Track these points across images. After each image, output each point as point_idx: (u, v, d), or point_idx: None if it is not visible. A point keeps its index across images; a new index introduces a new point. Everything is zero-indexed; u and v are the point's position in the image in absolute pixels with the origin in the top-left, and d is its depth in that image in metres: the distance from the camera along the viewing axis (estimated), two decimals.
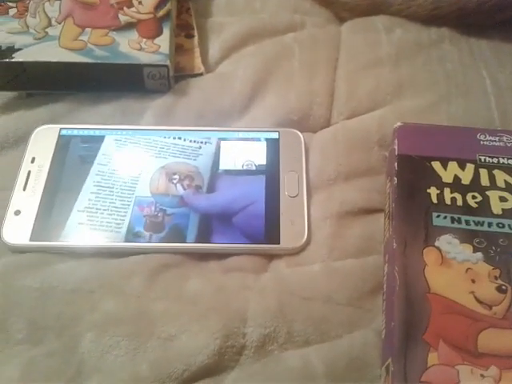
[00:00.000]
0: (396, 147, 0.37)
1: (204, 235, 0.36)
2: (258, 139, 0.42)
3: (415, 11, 0.49)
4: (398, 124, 0.39)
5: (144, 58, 0.42)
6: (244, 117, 0.44)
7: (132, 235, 0.36)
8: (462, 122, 0.41)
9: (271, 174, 0.40)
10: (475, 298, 0.28)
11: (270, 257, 0.37)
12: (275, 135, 0.42)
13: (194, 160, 0.40)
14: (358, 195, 0.39)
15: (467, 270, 0.30)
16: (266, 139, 0.42)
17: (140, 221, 0.37)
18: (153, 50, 0.43)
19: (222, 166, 0.40)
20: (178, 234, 0.36)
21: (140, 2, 0.45)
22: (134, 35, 0.43)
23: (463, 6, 0.47)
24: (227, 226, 0.37)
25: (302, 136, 0.42)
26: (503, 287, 0.29)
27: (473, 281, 0.29)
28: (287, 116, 0.43)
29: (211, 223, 0.37)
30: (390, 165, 0.38)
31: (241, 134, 0.42)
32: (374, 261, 0.35)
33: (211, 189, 0.38)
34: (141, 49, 0.43)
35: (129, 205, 0.37)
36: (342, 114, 0.44)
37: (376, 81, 0.45)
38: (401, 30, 0.49)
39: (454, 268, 0.30)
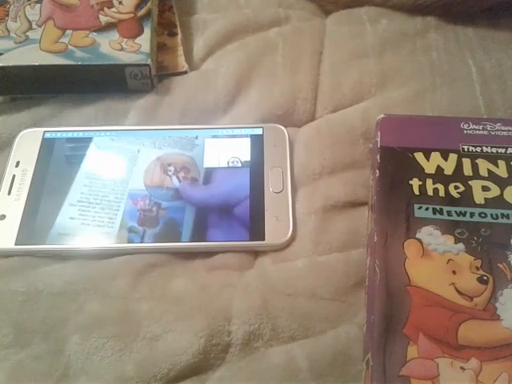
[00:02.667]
0: (379, 139, 0.37)
1: (199, 232, 0.36)
2: (242, 135, 0.41)
3: (400, 1, 0.49)
4: (381, 116, 0.38)
5: (125, 57, 0.42)
6: (228, 113, 0.44)
7: (126, 230, 0.36)
8: (447, 111, 0.41)
9: (255, 170, 0.39)
10: (456, 289, 0.28)
11: (256, 253, 0.37)
12: (259, 131, 0.42)
13: (190, 151, 0.40)
14: (343, 189, 0.39)
15: (448, 261, 0.29)
16: (250, 135, 0.42)
17: (134, 215, 0.37)
18: (134, 50, 0.43)
19: (207, 163, 0.40)
20: (173, 230, 0.36)
21: (120, 2, 0.45)
22: (114, 35, 0.43)
23: None
24: (215, 223, 0.37)
25: (286, 131, 0.42)
26: (484, 278, 0.28)
27: (454, 272, 0.29)
28: (271, 111, 0.43)
29: (204, 220, 0.37)
30: (373, 157, 0.37)
31: (225, 131, 0.42)
32: (359, 254, 0.35)
33: (207, 181, 0.38)
34: (122, 49, 0.42)
35: (122, 199, 0.37)
36: (327, 107, 0.44)
37: (360, 73, 0.45)
38: (386, 21, 0.49)
39: (434, 260, 0.30)
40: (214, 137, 0.41)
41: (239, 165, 0.40)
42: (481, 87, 0.42)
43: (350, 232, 0.36)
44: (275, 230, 0.37)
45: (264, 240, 0.36)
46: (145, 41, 0.43)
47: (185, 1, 0.53)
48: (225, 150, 0.41)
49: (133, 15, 0.45)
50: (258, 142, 0.41)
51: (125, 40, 0.43)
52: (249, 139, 0.41)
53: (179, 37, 0.48)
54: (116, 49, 0.42)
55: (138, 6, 0.45)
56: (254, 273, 0.35)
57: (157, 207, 0.37)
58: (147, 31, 0.44)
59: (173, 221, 0.37)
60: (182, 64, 0.47)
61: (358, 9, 0.50)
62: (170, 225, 0.36)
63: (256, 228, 0.37)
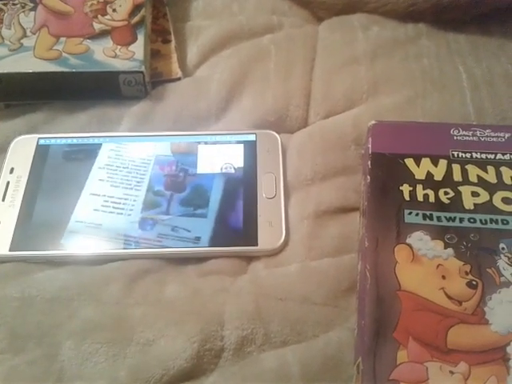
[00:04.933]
0: (370, 145, 0.37)
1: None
2: (235, 142, 0.42)
3: (392, 8, 0.49)
4: (372, 122, 0.39)
5: (119, 65, 0.43)
6: (221, 120, 0.44)
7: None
8: (438, 117, 0.41)
9: (249, 176, 0.40)
10: (445, 294, 0.29)
11: (249, 259, 0.37)
12: (252, 137, 0.42)
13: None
14: (335, 194, 0.39)
15: (438, 266, 0.30)
16: (243, 141, 0.42)
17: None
18: (128, 57, 0.43)
19: (200, 169, 0.40)
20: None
21: (114, 10, 0.45)
22: (108, 43, 0.44)
23: (439, 1, 0.48)
24: (208, 229, 0.37)
25: (278, 137, 0.42)
26: (473, 282, 0.29)
27: (443, 277, 0.29)
28: (264, 118, 0.44)
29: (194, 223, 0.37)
30: (364, 163, 0.38)
31: (218, 138, 0.42)
32: (350, 259, 0.35)
33: None
34: (116, 56, 0.43)
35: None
36: (319, 114, 0.44)
37: (352, 79, 0.45)
38: (377, 28, 0.50)
39: (424, 265, 0.30)
40: (207, 143, 0.42)
41: (232, 171, 0.40)
42: (471, 93, 0.43)
43: (342, 237, 0.37)
44: (268, 235, 0.37)
45: (257, 245, 0.37)
46: (138, 48, 0.44)
47: (179, 7, 0.54)
48: (218, 156, 0.41)
49: (126, 22, 0.45)
50: (251, 148, 0.41)
51: (118, 47, 0.44)
52: (242, 145, 0.42)
53: (173, 44, 0.49)
54: (110, 56, 0.43)
55: (132, 14, 0.46)
56: (247, 278, 0.35)
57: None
58: (141, 38, 0.44)
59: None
60: (176, 71, 0.47)
61: (349, 16, 0.51)
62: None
63: (249, 233, 0.37)
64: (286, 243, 0.37)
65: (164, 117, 0.44)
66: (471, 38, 0.49)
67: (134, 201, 0.38)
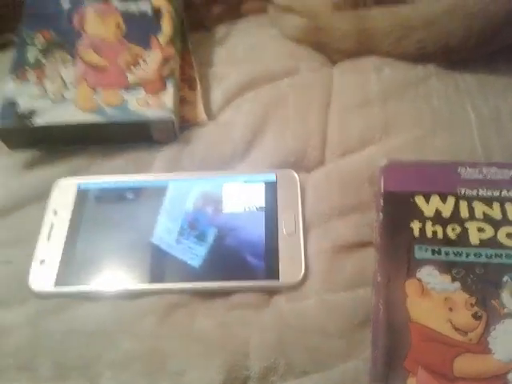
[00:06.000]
0: (382, 184, 0.41)
1: (219, 272, 0.40)
2: (258, 181, 0.46)
3: (402, 51, 0.53)
4: (384, 162, 0.42)
5: (151, 114, 0.47)
6: (245, 160, 0.48)
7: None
8: (447, 155, 0.45)
9: (270, 213, 0.44)
10: (452, 325, 0.31)
11: (272, 292, 0.40)
12: (273, 177, 0.46)
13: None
14: (351, 230, 0.42)
15: (445, 299, 0.33)
16: (265, 181, 0.46)
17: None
18: (159, 106, 0.48)
19: (225, 208, 0.44)
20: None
21: (145, 61, 0.50)
22: (141, 93, 0.49)
23: (447, 43, 0.51)
24: (231, 264, 0.41)
25: (297, 176, 0.46)
26: (478, 314, 0.31)
27: (450, 309, 0.32)
28: (284, 158, 0.47)
29: (224, 260, 0.41)
30: (377, 201, 0.41)
31: (241, 177, 0.46)
32: (365, 293, 0.38)
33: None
34: (148, 105, 0.48)
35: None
36: (335, 153, 0.48)
37: (365, 120, 0.49)
38: (389, 69, 0.53)
39: (433, 298, 0.33)
40: (232, 182, 0.46)
41: (255, 209, 0.44)
42: (479, 132, 0.46)
43: (358, 271, 0.40)
44: (289, 270, 0.40)
45: (279, 280, 0.40)
46: (169, 97, 0.48)
47: (203, 55, 0.59)
48: (242, 194, 0.45)
49: (157, 73, 0.50)
50: (271, 187, 0.45)
51: (150, 96, 0.48)
52: (263, 184, 0.46)
53: (199, 90, 0.54)
54: (143, 105, 0.48)
55: (162, 65, 0.51)
56: (270, 311, 0.39)
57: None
58: (170, 88, 0.49)
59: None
60: (202, 116, 0.52)
61: (362, 58, 0.55)
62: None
63: (271, 268, 0.40)
64: (305, 277, 0.40)
65: (192, 159, 0.48)
66: (479, 76, 0.52)
67: (168, 237, 0.42)
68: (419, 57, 0.53)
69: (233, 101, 0.53)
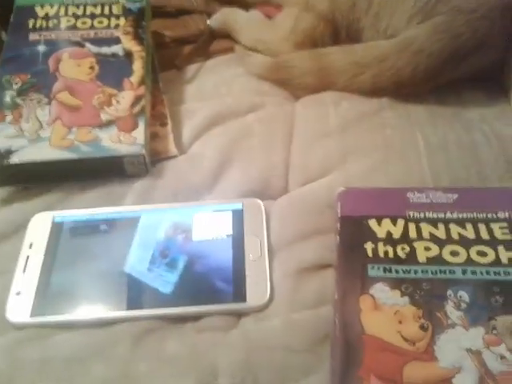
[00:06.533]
0: (339, 210, 0.44)
1: (188, 297, 0.43)
2: (225, 210, 0.49)
3: (358, 86, 0.58)
4: (340, 189, 0.46)
5: (123, 149, 0.50)
6: (213, 191, 0.52)
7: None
8: (399, 181, 0.48)
9: (237, 240, 0.46)
10: (402, 336, 0.34)
11: (240, 315, 0.43)
12: (239, 205, 0.49)
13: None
14: (313, 253, 0.45)
15: (395, 312, 0.36)
16: (232, 210, 0.49)
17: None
18: (130, 142, 0.51)
19: (195, 236, 0.47)
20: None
21: (118, 102, 0.54)
22: (113, 130, 0.52)
23: (398, 79, 0.56)
24: (201, 289, 0.43)
25: (262, 204, 0.49)
26: (425, 325, 0.35)
27: (400, 322, 0.35)
28: (250, 187, 0.51)
29: (192, 286, 0.43)
30: (335, 225, 0.44)
31: (210, 207, 0.49)
32: (326, 311, 0.41)
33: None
34: (120, 142, 0.51)
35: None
36: (297, 182, 0.51)
37: (325, 151, 0.53)
38: (346, 103, 0.58)
39: (384, 312, 0.36)
40: (201, 212, 0.49)
41: (223, 236, 0.47)
42: (428, 159, 0.50)
43: (319, 291, 0.42)
44: (255, 292, 0.43)
45: (246, 302, 0.42)
46: (140, 133, 0.52)
47: (174, 92, 0.62)
48: (210, 223, 0.48)
49: (129, 112, 0.53)
50: (238, 215, 0.48)
51: (122, 133, 0.51)
52: (231, 213, 0.49)
53: (169, 126, 0.57)
54: (115, 142, 0.51)
55: (134, 104, 0.54)
56: (238, 332, 0.41)
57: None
58: (141, 125, 0.52)
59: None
60: (172, 150, 0.55)
61: (322, 93, 0.59)
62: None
63: (239, 292, 0.43)
64: (271, 299, 0.43)
65: (163, 191, 0.51)
66: (429, 107, 0.57)
67: (140, 266, 0.45)
68: (373, 91, 0.57)
69: (202, 135, 0.57)
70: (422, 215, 0.42)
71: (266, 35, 0.64)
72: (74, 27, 0.59)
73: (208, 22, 0.70)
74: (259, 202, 0.49)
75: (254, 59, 0.64)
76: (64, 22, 0.60)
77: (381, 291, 0.37)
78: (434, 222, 0.41)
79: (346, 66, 0.58)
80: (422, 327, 0.35)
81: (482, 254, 0.39)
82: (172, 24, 0.72)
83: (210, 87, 0.63)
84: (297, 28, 0.62)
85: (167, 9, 0.73)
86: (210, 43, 0.69)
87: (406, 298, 0.36)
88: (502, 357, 0.33)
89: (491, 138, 0.52)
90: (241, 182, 0.51)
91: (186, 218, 0.48)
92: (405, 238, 0.41)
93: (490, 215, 0.41)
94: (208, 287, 0.44)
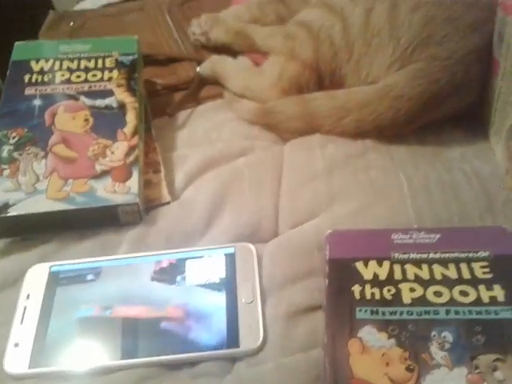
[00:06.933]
0: (327, 252, 0.46)
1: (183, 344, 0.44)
2: (218, 255, 0.51)
3: (342, 130, 0.61)
4: (328, 232, 0.48)
5: (117, 199, 0.53)
6: (206, 235, 0.54)
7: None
8: (384, 223, 0.51)
9: (230, 284, 0.48)
10: (389, 378, 0.36)
11: (233, 359, 0.44)
12: (231, 250, 0.51)
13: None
14: (303, 296, 0.47)
15: (383, 354, 0.37)
16: (225, 254, 0.51)
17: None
18: (124, 192, 0.53)
19: (189, 282, 0.49)
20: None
21: (112, 152, 0.56)
22: (108, 181, 0.54)
23: (380, 122, 0.59)
24: (197, 336, 0.45)
25: (253, 248, 0.51)
26: (411, 367, 0.36)
27: (387, 364, 0.37)
28: (241, 231, 0.53)
29: (187, 332, 0.45)
30: (323, 267, 0.46)
31: (202, 253, 0.51)
32: (317, 353, 0.42)
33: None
34: (115, 192, 0.53)
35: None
36: (287, 224, 0.53)
37: (313, 193, 0.55)
38: (332, 146, 0.61)
39: (372, 354, 0.37)
40: (194, 258, 0.50)
41: (216, 281, 0.49)
42: (411, 200, 0.53)
43: (310, 334, 0.44)
44: (248, 337, 0.44)
45: (239, 347, 0.44)
46: (133, 183, 0.54)
47: (167, 139, 0.65)
48: (204, 268, 0.50)
49: (123, 162, 0.56)
50: (231, 260, 0.50)
51: (117, 183, 0.54)
52: (223, 257, 0.50)
53: (162, 173, 0.59)
54: (110, 192, 0.53)
55: (128, 154, 0.56)
56: (231, 377, 0.42)
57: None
58: (135, 174, 0.55)
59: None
60: (166, 196, 0.57)
61: (309, 136, 0.62)
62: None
63: (232, 337, 0.44)
64: (264, 343, 0.44)
65: (157, 238, 0.53)
66: (410, 148, 0.59)
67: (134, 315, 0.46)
68: (357, 134, 0.60)
69: (194, 180, 0.59)
70: (407, 256, 0.44)
71: (253, 82, 0.68)
72: (68, 81, 0.62)
73: (198, 69, 0.74)
74: (251, 246, 0.51)
75: (242, 105, 0.67)
76: (59, 76, 0.63)
77: (368, 334, 0.39)
78: (417, 263, 0.43)
79: (330, 110, 0.61)
80: (409, 369, 0.36)
81: (464, 293, 0.41)
82: (163, 72, 0.75)
83: (201, 133, 0.66)
84: (283, 76, 0.65)
85: (158, 57, 0.77)
86: (200, 90, 0.73)
87: (393, 340, 0.38)
88: None
89: (471, 177, 0.55)
90: (232, 226, 0.53)
91: (180, 264, 0.50)
92: (390, 279, 0.42)
93: (471, 254, 0.44)
94: (202, 333, 0.45)
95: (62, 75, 0.63)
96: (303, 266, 0.49)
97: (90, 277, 0.50)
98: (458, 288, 0.41)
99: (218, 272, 0.49)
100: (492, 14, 0.55)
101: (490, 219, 0.50)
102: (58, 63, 0.65)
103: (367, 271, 0.43)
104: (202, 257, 0.51)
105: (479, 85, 0.59)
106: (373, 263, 0.44)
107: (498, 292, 0.40)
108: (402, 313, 0.40)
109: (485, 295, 0.40)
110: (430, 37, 0.56)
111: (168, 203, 0.57)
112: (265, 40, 0.71)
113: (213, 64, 0.73)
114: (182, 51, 0.79)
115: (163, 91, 0.73)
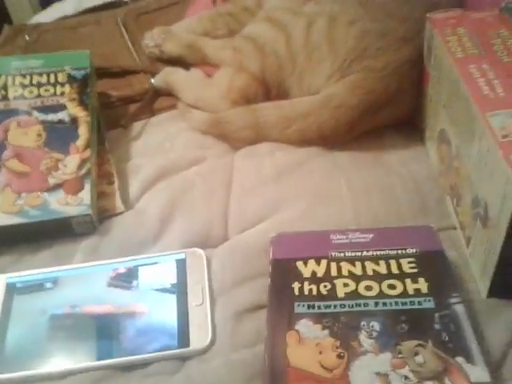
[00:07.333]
0: (271, 254, 0.50)
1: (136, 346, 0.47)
2: (169, 261, 0.54)
3: (288, 138, 0.65)
4: (272, 235, 0.52)
5: (70, 211, 0.55)
6: (157, 243, 0.57)
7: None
8: (326, 225, 0.55)
9: (181, 288, 0.51)
10: (321, 365, 0.40)
11: (184, 358, 0.47)
12: (182, 256, 0.54)
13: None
14: (251, 296, 0.51)
15: (317, 344, 0.41)
16: (176, 260, 0.54)
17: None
18: (77, 203, 0.56)
19: (142, 287, 0.52)
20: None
21: (65, 166, 0.59)
22: (61, 193, 0.57)
23: (323, 130, 0.64)
24: (149, 338, 0.48)
25: (203, 253, 0.54)
26: (341, 354, 0.40)
27: (320, 352, 0.41)
28: (191, 238, 0.56)
29: (139, 334, 0.48)
30: (268, 268, 0.50)
31: (154, 259, 0.54)
32: (261, 348, 0.46)
33: None
34: (67, 204, 0.56)
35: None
36: (236, 230, 0.57)
37: (260, 200, 0.59)
38: (281, 153, 0.65)
39: (307, 345, 0.41)
40: (146, 264, 0.54)
41: (167, 286, 0.52)
42: (351, 203, 0.57)
43: (256, 331, 0.48)
44: (198, 337, 0.48)
45: (189, 347, 0.47)
46: (86, 194, 0.57)
47: (121, 150, 0.68)
48: (155, 274, 0.53)
49: (75, 175, 0.58)
50: (181, 265, 0.53)
51: (69, 196, 0.57)
52: (174, 263, 0.54)
53: (116, 184, 0.62)
54: (63, 204, 0.56)
55: (80, 167, 0.59)
56: (181, 375, 0.46)
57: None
58: (87, 186, 0.58)
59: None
60: (119, 206, 0.60)
61: (259, 145, 0.66)
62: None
63: (182, 337, 0.48)
64: (213, 342, 0.48)
65: (110, 247, 0.56)
66: (352, 154, 0.64)
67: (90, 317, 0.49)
68: (302, 141, 0.65)
69: (148, 190, 0.63)
70: (343, 255, 0.48)
71: (205, 94, 0.72)
72: (21, 97, 0.65)
73: (152, 81, 0.77)
74: (200, 251, 0.55)
75: (194, 115, 0.71)
76: (11, 92, 0.65)
77: (305, 326, 0.43)
78: (352, 261, 0.48)
79: (277, 120, 0.65)
80: (339, 356, 0.40)
81: (392, 287, 0.45)
82: (118, 84, 0.79)
83: (155, 143, 0.69)
84: (233, 87, 0.69)
85: (113, 69, 0.80)
86: (155, 101, 0.76)
87: (327, 331, 0.42)
88: (406, 377, 0.39)
89: (407, 180, 0.60)
90: (183, 233, 0.57)
91: (133, 271, 0.53)
92: (327, 276, 0.47)
93: (400, 251, 0.48)
94: (154, 335, 0.48)
95: (15, 91, 0.66)
96: (251, 268, 0.53)
97: (48, 285, 0.52)
98: (386, 282, 0.46)
99: (170, 277, 0.53)
100: (422, 28, 0.60)
101: (422, 219, 0.55)
102: (10, 79, 0.67)
103: (306, 269, 0.48)
104: (154, 263, 0.54)
105: (414, 94, 0.64)
106: (312, 262, 0.48)
107: (422, 285, 0.45)
108: (335, 306, 0.44)
109: (410, 288, 0.45)
110: (365, 50, 0.61)
111: (122, 213, 0.60)
112: (215, 53, 0.75)
113: (166, 76, 0.77)
114: (137, 63, 0.83)
115: (118, 103, 0.76)
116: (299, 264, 0.48)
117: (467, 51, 0.52)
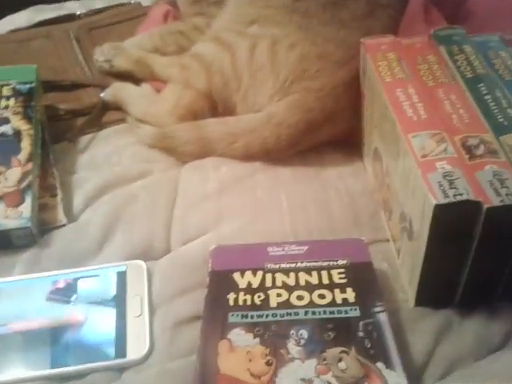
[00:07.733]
0: (210, 265, 0.52)
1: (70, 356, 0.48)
2: (110, 273, 0.55)
3: (233, 153, 0.68)
4: (212, 247, 0.54)
5: (9, 223, 0.56)
6: (99, 256, 0.58)
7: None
8: (265, 238, 0.57)
9: (120, 300, 0.53)
10: (250, 372, 0.42)
11: (121, 369, 0.48)
12: (123, 268, 0.55)
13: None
14: (190, 307, 0.52)
15: (247, 352, 0.43)
16: (117, 272, 0.55)
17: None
18: (17, 216, 0.56)
19: (82, 299, 0.53)
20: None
21: (6, 179, 0.59)
22: (1, 206, 0.57)
23: (266, 146, 0.66)
24: (87, 348, 0.49)
25: (144, 265, 0.56)
26: (270, 361, 0.42)
27: (250, 360, 0.43)
28: (133, 251, 0.58)
29: (75, 345, 0.48)
30: (206, 279, 0.52)
31: (95, 272, 0.55)
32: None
33: None
34: (7, 217, 0.56)
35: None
36: (178, 242, 0.59)
37: (203, 213, 0.61)
38: (226, 167, 0.67)
39: (238, 353, 0.43)
40: (86, 277, 0.54)
41: (108, 297, 0.53)
42: (290, 217, 0.60)
43: (193, 341, 0.49)
44: (135, 347, 0.49)
45: (125, 357, 0.48)
46: (26, 207, 0.57)
47: (67, 163, 0.69)
48: (95, 286, 0.54)
49: (16, 188, 0.59)
50: (122, 277, 0.55)
51: (9, 209, 0.57)
52: (115, 275, 0.55)
53: (59, 196, 0.63)
54: (2, 217, 0.56)
55: (21, 180, 0.60)
56: None
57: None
58: (28, 199, 0.58)
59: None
60: (61, 219, 0.61)
61: (205, 159, 0.69)
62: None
63: (120, 348, 0.49)
64: (150, 352, 0.49)
65: (50, 260, 0.57)
66: (294, 169, 0.67)
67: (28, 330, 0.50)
68: (247, 156, 0.67)
69: (92, 203, 0.64)
70: (278, 266, 0.51)
71: (152, 109, 0.73)
72: None
73: (101, 95, 0.79)
74: (142, 263, 0.56)
75: (142, 130, 0.72)
76: None
77: (237, 335, 0.45)
78: (286, 272, 0.50)
79: (222, 135, 0.68)
80: (268, 363, 0.42)
81: (322, 296, 0.48)
82: (67, 97, 0.79)
83: (102, 157, 0.70)
84: (180, 103, 0.71)
85: (63, 83, 0.81)
86: (103, 115, 0.77)
87: (257, 339, 0.44)
88: (329, 383, 0.41)
89: (343, 195, 0.63)
90: (125, 246, 0.58)
91: (72, 283, 0.54)
92: (262, 287, 0.49)
93: (331, 263, 0.51)
94: (92, 346, 0.49)
95: None
96: (191, 280, 0.55)
97: None
98: (317, 292, 0.48)
99: (110, 289, 0.54)
100: (357, 52, 0.64)
101: (356, 231, 0.59)
102: None
103: (243, 281, 0.50)
104: (95, 276, 0.55)
105: (351, 113, 0.68)
106: (248, 273, 0.50)
107: (350, 294, 0.48)
108: (267, 315, 0.46)
109: (339, 297, 0.48)
110: (304, 71, 0.65)
111: (64, 225, 0.61)
112: (163, 69, 0.77)
113: (115, 90, 0.78)
114: (87, 77, 0.84)
115: (66, 116, 0.77)
116: (236, 275, 0.50)
117: (395, 75, 0.56)
